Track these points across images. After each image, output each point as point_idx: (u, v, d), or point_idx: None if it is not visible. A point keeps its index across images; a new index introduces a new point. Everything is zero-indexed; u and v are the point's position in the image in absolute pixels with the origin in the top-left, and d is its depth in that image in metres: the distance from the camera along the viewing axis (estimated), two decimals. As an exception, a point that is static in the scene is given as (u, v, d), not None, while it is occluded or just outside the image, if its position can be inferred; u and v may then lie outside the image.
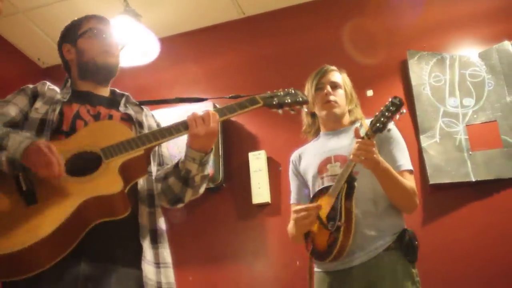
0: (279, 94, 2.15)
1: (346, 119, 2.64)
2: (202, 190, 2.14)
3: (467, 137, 3.31)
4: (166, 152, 2.27)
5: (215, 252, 3.62)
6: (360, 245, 2.24)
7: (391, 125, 2.16)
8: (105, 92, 2.24)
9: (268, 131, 3.81)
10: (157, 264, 1.97)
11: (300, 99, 2.15)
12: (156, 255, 1.98)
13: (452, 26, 3.65)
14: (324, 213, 2.28)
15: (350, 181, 2.22)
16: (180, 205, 2.16)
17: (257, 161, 3.67)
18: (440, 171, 3.26)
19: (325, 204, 2.29)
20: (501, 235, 3.09)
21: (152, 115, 2.34)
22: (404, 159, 2.41)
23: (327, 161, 2.48)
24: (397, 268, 2.23)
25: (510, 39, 3.42)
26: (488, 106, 3.34)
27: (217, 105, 3.84)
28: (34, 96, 2.10)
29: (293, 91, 2.17)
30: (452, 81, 3.48)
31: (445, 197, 3.26)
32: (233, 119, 3.91)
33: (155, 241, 2.00)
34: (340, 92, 2.61)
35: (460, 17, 3.65)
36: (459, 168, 3.25)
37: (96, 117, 2.07)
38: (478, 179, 3.19)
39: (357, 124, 2.46)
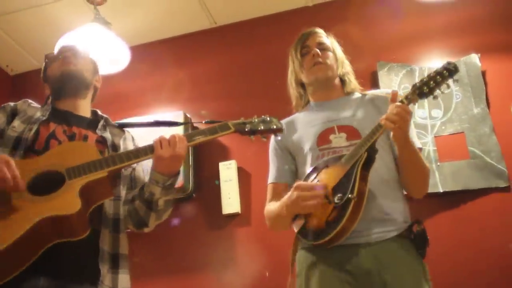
0: (252, 121, 2.15)
1: (338, 87, 2.42)
2: (166, 215, 2.15)
3: (435, 148, 3.34)
4: (142, 176, 2.26)
5: (184, 262, 3.59)
6: (367, 226, 1.99)
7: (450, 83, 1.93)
8: (85, 112, 2.26)
9: (239, 141, 3.77)
10: None
11: (274, 127, 2.13)
12: (115, 280, 1.98)
13: (421, 39, 3.69)
14: (332, 184, 2.00)
15: (371, 152, 1.97)
16: (146, 230, 2.16)
17: (228, 171, 3.65)
18: (409, 181, 3.29)
19: (330, 177, 2.03)
20: (467, 245, 3.12)
21: (132, 138, 2.36)
22: (414, 137, 2.23)
23: (329, 132, 2.23)
24: (410, 257, 2.01)
25: (478, 52, 3.47)
26: (456, 117, 3.38)
27: (188, 115, 3.83)
28: (13, 114, 2.13)
29: (268, 119, 2.16)
30: (421, 93, 3.51)
31: (413, 207, 3.25)
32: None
33: (116, 266, 2.01)
34: (330, 54, 2.41)
35: (429, 30, 3.70)
36: (427, 179, 3.28)
37: (71, 137, 2.10)
38: (446, 190, 3.23)
39: (356, 96, 2.36)
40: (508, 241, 3.06)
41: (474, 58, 3.47)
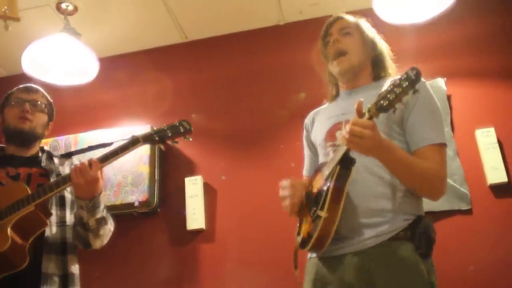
0: (161, 129, 2.28)
1: (368, 72, 2.20)
2: (105, 232, 2.28)
3: (400, 169, 3.37)
4: (69, 197, 2.38)
5: (147, 278, 3.54)
6: (357, 232, 1.86)
7: (421, 84, 1.66)
8: (31, 152, 2.42)
9: (206, 156, 3.79)
10: None
11: (182, 130, 2.25)
12: None
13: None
14: (314, 192, 1.94)
15: (344, 164, 1.80)
16: (93, 249, 2.31)
17: (193, 187, 3.63)
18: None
19: (317, 183, 1.95)
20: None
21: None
22: (434, 130, 1.95)
23: (337, 127, 2.08)
24: (405, 265, 1.82)
25: (444, 76, 3.53)
26: (421, 140, 3.42)
27: (155, 128, 3.81)
28: None
29: (177, 124, 2.28)
30: (388, 114, 3.54)
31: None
32: (170, 143, 3.86)
33: (65, 285, 2.19)
34: (354, 39, 2.18)
35: (397, 52, 3.73)
36: (392, 200, 3.30)
37: (15, 177, 2.29)
38: (410, 212, 3.25)
39: (385, 82, 2.03)
40: (468, 263, 3.10)
41: (440, 82, 3.53)
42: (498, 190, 3.24)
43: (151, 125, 3.77)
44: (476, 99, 3.50)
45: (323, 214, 1.78)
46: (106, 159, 2.16)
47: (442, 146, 1.95)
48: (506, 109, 3.41)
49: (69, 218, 2.32)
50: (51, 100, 2.55)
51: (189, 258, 3.53)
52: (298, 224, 2.05)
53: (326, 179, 1.85)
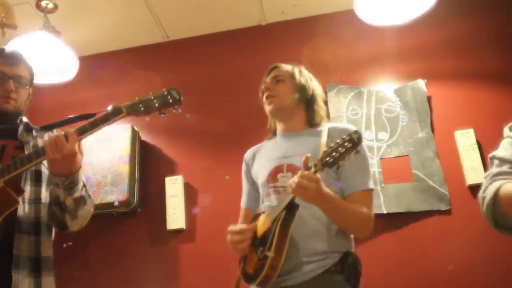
0: (147, 98, 2.01)
1: (302, 117, 2.40)
2: (83, 213, 2.07)
3: (380, 170, 3.39)
4: (46, 172, 2.15)
5: (126, 277, 3.52)
6: (297, 267, 2.06)
7: (362, 146, 1.93)
8: (8, 124, 2.17)
9: (187, 156, 3.77)
10: None
11: (170, 100, 2.00)
12: (37, 285, 1.95)
13: (371, 62, 3.76)
14: (260, 233, 2.10)
15: (290, 208, 1.99)
16: (68, 231, 2.09)
17: (174, 186, 3.61)
18: (354, 202, 3.32)
19: (262, 225, 2.10)
20: (408, 266, 3.17)
21: None
22: (364, 177, 2.21)
23: (278, 169, 2.26)
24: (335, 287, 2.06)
25: (424, 78, 3.56)
26: (401, 141, 3.45)
27: (136, 128, 3.79)
28: None
29: (165, 93, 2.02)
30: (369, 115, 3.57)
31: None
32: (151, 142, 3.86)
33: (38, 270, 1.96)
34: (283, 85, 2.39)
35: (380, 54, 3.77)
36: (372, 200, 3.32)
37: None
38: (389, 211, 3.28)
39: (319, 129, 2.31)
40: (447, 263, 3.13)
41: (421, 83, 3.56)
42: (477, 190, 3.21)
43: (131, 125, 3.75)
44: (456, 100, 3.53)
45: (270, 254, 1.97)
46: (84, 131, 1.91)
47: (370, 191, 2.21)
48: (485, 110, 3.45)
49: (45, 195, 2.09)
50: (31, 66, 2.28)
51: (169, 258, 3.51)
52: (242, 260, 2.21)
53: (273, 222, 2.02)
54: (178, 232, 3.55)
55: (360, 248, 3.23)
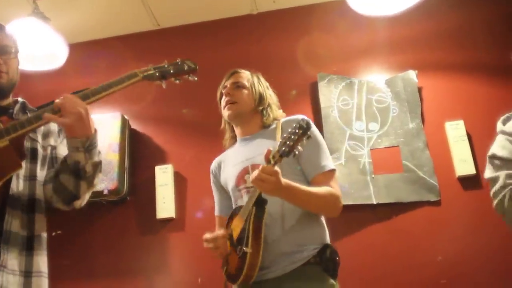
0: (162, 66, 2.05)
1: (258, 121, 2.50)
2: (97, 180, 2.00)
3: (370, 160, 3.40)
4: (41, 152, 2.09)
5: (116, 266, 3.50)
6: (276, 261, 2.16)
7: (312, 130, 2.06)
8: (4, 102, 2.10)
9: (177, 145, 3.76)
10: (28, 273, 1.86)
11: (186, 68, 2.07)
12: (28, 263, 1.87)
13: (362, 52, 3.76)
14: (236, 234, 2.21)
15: (259, 204, 2.12)
16: (78, 204, 2.03)
17: (164, 175, 3.60)
18: (344, 192, 3.30)
19: (236, 226, 2.22)
20: (397, 256, 3.19)
21: None
22: (325, 159, 2.32)
23: (245, 171, 2.37)
24: (314, 281, 2.15)
25: (415, 69, 3.57)
26: (392, 131, 3.46)
27: (125, 116, 3.76)
28: None
29: (179, 61, 2.09)
30: (359, 105, 3.57)
31: (347, 218, 3.30)
32: (141, 131, 3.84)
33: (30, 247, 1.89)
34: (244, 91, 2.51)
35: (371, 44, 3.77)
36: (361, 190, 3.33)
37: None
38: (379, 202, 3.29)
39: (274, 126, 2.44)
40: (436, 254, 3.15)
41: (412, 74, 3.56)
42: (466, 182, 3.29)
43: (120, 113, 3.72)
44: (446, 92, 3.54)
45: (248, 249, 2.08)
46: (93, 94, 1.87)
47: (332, 171, 2.31)
48: (475, 102, 3.46)
49: (40, 173, 2.01)
50: (12, 33, 2.17)
51: (159, 247, 3.51)
52: (224, 264, 2.32)
53: (246, 221, 2.14)
54: (167, 221, 3.54)
55: (349, 238, 3.28)
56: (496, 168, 2.04)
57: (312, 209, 2.24)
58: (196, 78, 2.14)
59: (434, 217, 3.24)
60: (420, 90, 3.54)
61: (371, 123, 3.51)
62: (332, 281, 2.17)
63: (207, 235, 2.28)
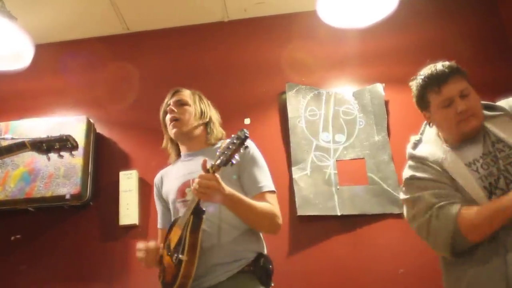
0: (50, 139, 2.21)
1: (202, 138, 2.58)
2: None
3: (336, 172, 3.41)
4: None
5: (76, 272, 3.44)
6: (211, 270, 2.22)
7: (249, 142, 2.13)
8: None
9: (142, 151, 3.71)
10: None
11: (69, 145, 2.22)
12: None
13: (331, 64, 3.78)
14: (173, 243, 2.26)
15: (197, 213, 2.17)
16: None
17: (128, 181, 3.56)
18: (309, 203, 3.33)
19: (175, 235, 2.27)
20: (360, 267, 3.21)
21: None
22: (266, 180, 2.40)
23: (186, 185, 2.42)
24: (247, 285, 2.23)
25: (382, 82, 3.60)
26: (358, 143, 3.48)
27: (91, 120, 3.71)
28: None
29: (64, 137, 2.24)
30: (327, 117, 3.59)
31: (312, 228, 3.33)
32: (107, 135, 3.79)
33: None
34: (186, 108, 2.58)
35: (340, 56, 3.79)
36: (326, 201, 3.34)
37: None
38: (344, 213, 3.30)
39: (218, 145, 2.50)
40: (398, 267, 3.17)
41: (379, 87, 3.60)
42: (430, 195, 3.31)
43: (86, 116, 3.67)
44: (413, 105, 3.54)
45: (184, 257, 2.13)
46: None
47: (273, 192, 2.40)
48: (440, 117, 3.50)
49: None
50: None
51: (120, 254, 3.45)
52: (161, 273, 2.38)
53: (183, 229, 2.19)
54: (130, 227, 3.50)
55: (313, 249, 3.28)
56: (417, 189, 2.04)
57: (251, 221, 2.30)
58: (74, 155, 2.35)
59: (396, 229, 3.25)
60: (386, 103, 3.57)
61: (337, 134, 3.53)
62: None
63: (140, 245, 2.36)
